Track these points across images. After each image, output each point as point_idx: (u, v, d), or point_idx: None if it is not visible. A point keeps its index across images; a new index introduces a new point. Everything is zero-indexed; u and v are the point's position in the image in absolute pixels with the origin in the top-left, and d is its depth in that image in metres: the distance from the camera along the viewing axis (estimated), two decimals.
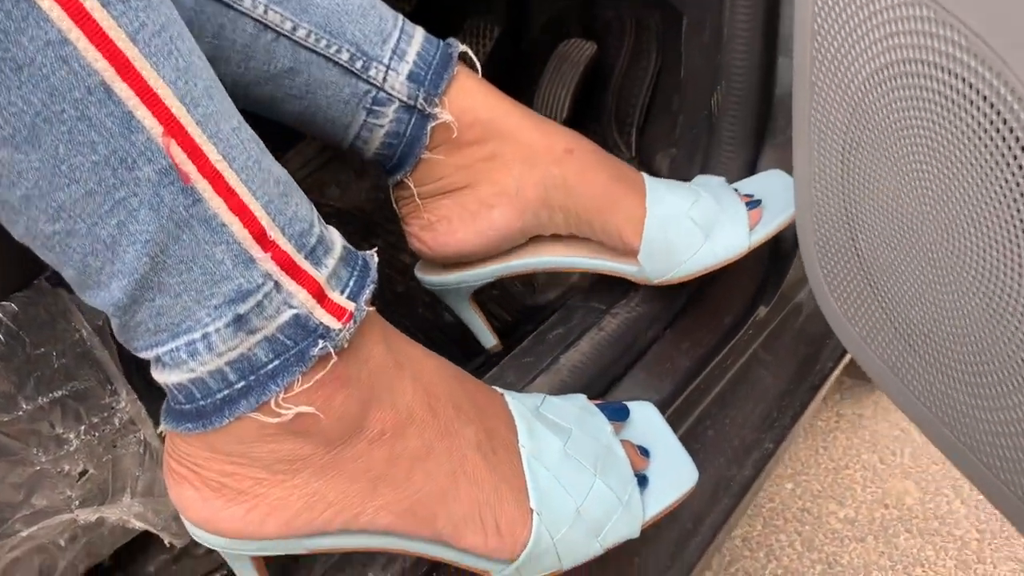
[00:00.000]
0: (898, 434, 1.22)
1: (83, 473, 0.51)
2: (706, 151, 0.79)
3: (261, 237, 0.39)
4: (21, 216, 0.36)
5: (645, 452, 0.57)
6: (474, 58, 0.65)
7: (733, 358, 0.75)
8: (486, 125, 0.63)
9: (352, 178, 1.12)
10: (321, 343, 0.41)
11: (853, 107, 0.51)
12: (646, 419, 0.60)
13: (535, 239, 0.69)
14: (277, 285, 0.40)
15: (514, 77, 1.08)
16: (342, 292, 0.43)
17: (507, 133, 0.64)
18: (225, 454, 0.43)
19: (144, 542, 0.62)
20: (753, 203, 0.70)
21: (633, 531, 0.53)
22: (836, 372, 0.79)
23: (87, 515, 0.50)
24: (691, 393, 0.71)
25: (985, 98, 0.40)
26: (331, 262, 0.42)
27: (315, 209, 0.43)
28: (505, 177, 0.64)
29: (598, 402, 0.59)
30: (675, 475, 0.56)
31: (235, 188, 0.38)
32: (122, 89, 0.35)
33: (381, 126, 0.61)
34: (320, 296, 0.41)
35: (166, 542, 0.52)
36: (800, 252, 0.71)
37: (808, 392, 0.75)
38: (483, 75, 0.65)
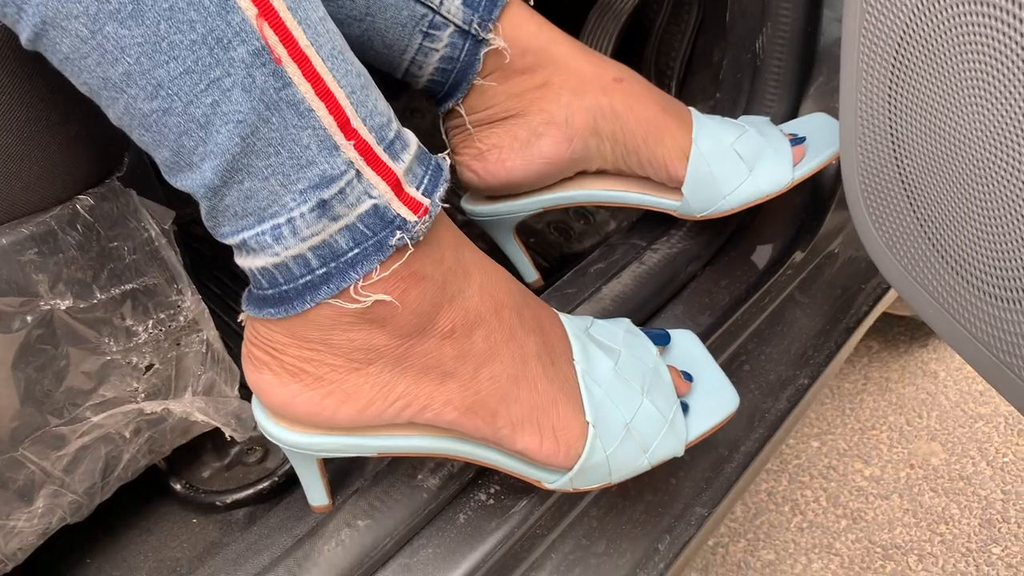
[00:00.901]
0: (925, 397, 1.23)
1: (149, 367, 0.53)
2: (749, 95, 0.80)
3: (345, 125, 0.41)
4: (122, 94, 0.38)
5: (688, 377, 0.58)
6: None
7: (770, 297, 0.76)
8: (537, 53, 0.64)
9: (407, 117, 1.14)
10: (399, 234, 0.43)
11: (903, 32, 0.52)
12: (688, 346, 0.62)
13: (581, 173, 0.70)
14: (359, 174, 0.42)
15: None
16: (417, 188, 0.44)
17: (558, 61, 0.65)
18: (305, 340, 0.45)
19: (198, 449, 0.65)
20: (797, 140, 0.71)
21: (677, 450, 0.55)
22: (871, 317, 0.80)
23: (153, 407, 0.52)
24: (728, 328, 0.72)
25: None
26: (407, 157, 0.44)
27: (391, 108, 0.45)
28: (554, 105, 0.66)
29: (642, 328, 0.61)
30: (717, 399, 0.58)
31: (322, 74, 0.40)
32: None
33: (436, 50, 0.62)
34: (398, 188, 0.43)
35: (227, 435, 0.55)
36: (841, 198, 0.72)
37: (843, 333, 0.76)
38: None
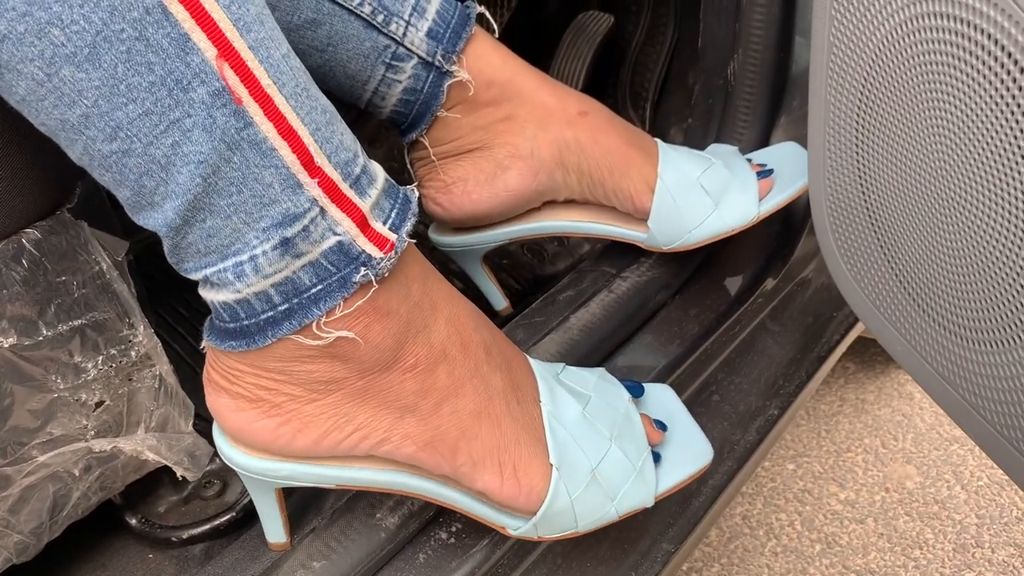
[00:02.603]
0: (900, 420, 1.22)
1: (99, 403, 0.51)
2: (721, 121, 0.80)
3: (308, 163, 0.40)
4: (80, 136, 0.37)
5: (662, 427, 0.57)
6: (491, 20, 0.66)
7: (740, 326, 0.75)
8: (502, 86, 0.64)
9: (365, 147, 1.13)
10: (363, 270, 0.42)
11: (870, 64, 0.52)
12: (663, 398, 0.61)
13: (548, 203, 0.70)
14: (323, 211, 0.41)
15: (530, 48, 1.08)
16: (384, 223, 0.44)
17: (523, 94, 0.64)
18: (264, 369, 0.45)
19: (155, 482, 0.63)
20: (765, 172, 0.71)
21: (647, 499, 0.53)
22: (843, 345, 0.79)
23: (102, 445, 0.51)
24: (698, 357, 0.71)
25: (1003, 48, 0.41)
26: (374, 192, 0.43)
27: (358, 141, 0.44)
28: (520, 138, 0.65)
29: (619, 379, 0.59)
30: (691, 451, 0.56)
31: (284, 113, 0.39)
32: (178, 11, 0.36)
33: (399, 82, 0.62)
34: (363, 224, 0.42)
35: (178, 474, 0.53)
36: (812, 223, 0.71)
37: (814, 363, 0.76)
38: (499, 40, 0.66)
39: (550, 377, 0.54)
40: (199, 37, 0.36)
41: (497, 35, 0.66)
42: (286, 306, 0.42)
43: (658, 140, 0.70)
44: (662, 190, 0.66)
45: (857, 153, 0.56)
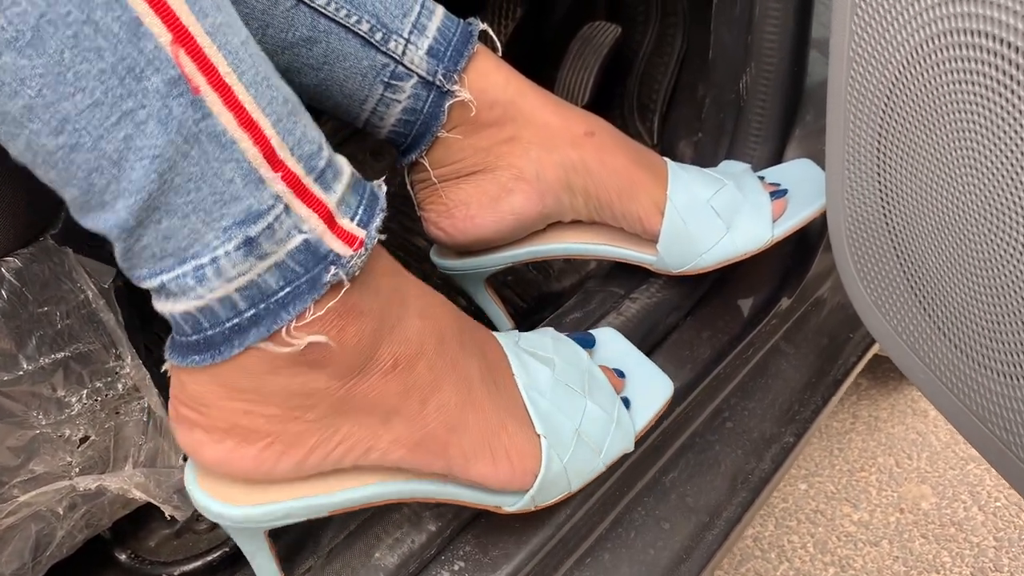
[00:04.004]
0: (915, 438, 1.19)
1: (84, 439, 0.49)
2: (732, 136, 0.77)
3: (271, 156, 0.38)
4: (23, 129, 0.34)
5: (620, 374, 0.59)
6: (495, 38, 0.64)
7: (754, 349, 0.73)
8: (505, 106, 0.61)
9: (368, 159, 1.11)
10: (333, 270, 0.40)
11: (892, 84, 0.49)
12: (613, 344, 0.62)
13: (554, 225, 0.67)
14: (287, 208, 0.39)
15: (536, 59, 1.06)
16: (352, 219, 0.41)
17: (526, 114, 0.62)
18: (236, 391, 0.42)
19: (145, 515, 0.61)
20: (778, 193, 0.68)
21: (628, 445, 0.55)
22: (859, 367, 0.77)
23: (87, 483, 0.48)
24: (711, 382, 0.69)
25: None
26: (340, 187, 0.41)
27: (323, 133, 0.42)
28: (524, 160, 0.63)
29: (565, 333, 0.60)
30: (652, 389, 0.59)
31: (244, 103, 0.37)
32: None
33: (398, 101, 0.59)
34: (330, 221, 0.40)
35: (167, 514, 0.51)
36: (829, 241, 0.69)
37: (830, 386, 0.73)
38: (504, 56, 0.63)
39: (515, 347, 0.54)
40: (152, 21, 0.34)
41: (501, 49, 0.63)
42: (252, 312, 0.40)
43: (667, 160, 0.67)
44: (672, 212, 0.63)
45: (879, 174, 0.54)
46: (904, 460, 1.17)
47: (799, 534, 1.08)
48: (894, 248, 0.55)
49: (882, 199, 0.54)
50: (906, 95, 0.49)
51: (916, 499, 1.12)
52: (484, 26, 0.61)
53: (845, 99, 0.54)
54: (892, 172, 0.52)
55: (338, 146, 1.10)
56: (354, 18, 0.57)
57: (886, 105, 0.51)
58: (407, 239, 0.97)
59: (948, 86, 0.45)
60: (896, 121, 0.50)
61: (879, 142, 0.53)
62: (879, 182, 0.54)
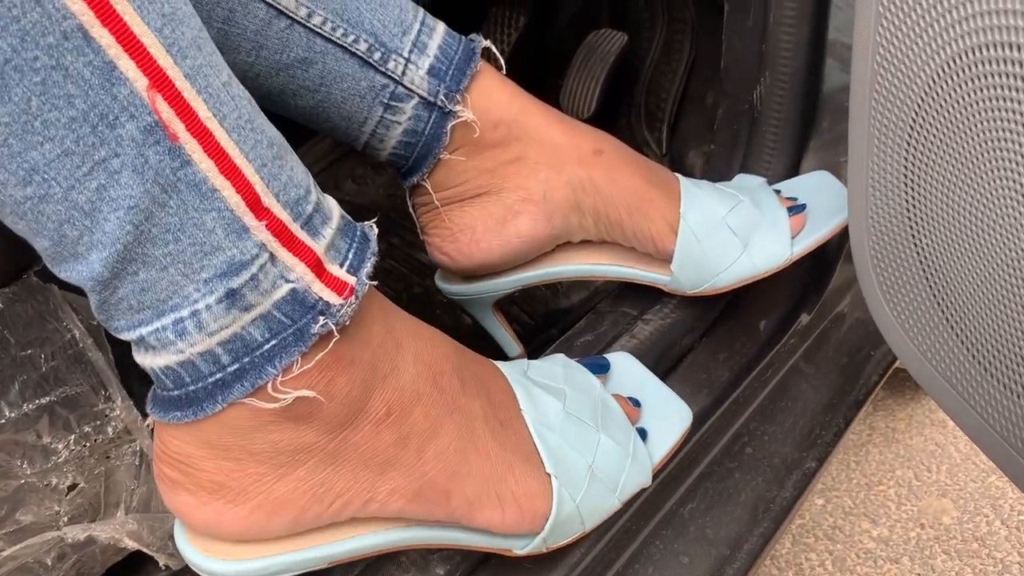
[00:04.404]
0: (934, 449, 1.16)
1: (73, 487, 0.46)
2: (747, 148, 0.74)
3: (255, 204, 0.36)
4: None
5: (636, 403, 0.56)
6: (499, 55, 0.61)
7: (773, 370, 0.70)
8: (510, 125, 0.59)
9: (369, 173, 1.08)
10: (322, 320, 0.38)
11: (922, 98, 0.47)
12: (627, 368, 0.60)
13: (563, 245, 0.65)
14: (272, 257, 0.37)
15: (540, 69, 1.04)
16: (341, 265, 0.39)
17: (532, 134, 0.60)
18: (221, 449, 0.39)
19: (140, 560, 0.58)
20: (797, 208, 0.66)
21: (645, 480, 0.53)
22: (880, 386, 0.74)
23: (76, 533, 0.46)
24: (729, 407, 0.66)
25: None
26: (329, 232, 0.39)
27: (310, 175, 0.39)
28: (531, 181, 0.60)
29: (577, 359, 0.58)
30: (670, 418, 0.56)
31: (227, 149, 0.35)
32: (102, 35, 0.31)
33: (399, 123, 0.57)
34: (318, 269, 0.38)
35: (161, 564, 0.48)
36: (848, 254, 0.66)
37: (852, 408, 0.71)
38: (507, 67, 0.61)
39: (523, 379, 0.51)
40: (127, 65, 0.32)
41: (504, 62, 0.61)
42: (236, 366, 0.37)
43: (680, 176, 0.64)
44: (685, 231, 0.61)
45: (906, 191, 0.51)
46: (923, 473, 1.14)
47: (817, 551, 1.05)
48: (921, 266, 0.52)
49: (909, 216, 0.52)
50: (937, 109, 0.46)
51: (937, 513, 1.09)
52: (487, 43, 0.59)
53: (869, 113, 0.51)
54: (921, 188, 0.50)
55: (336, 162, 1.08)
56: (351, 37, 0.54)
57: (915, 119, 0.48)
58: (409, 254, 0.94)
59: (982, 100, 0.42)
60: (926, 135, 0.47)
61: (906, 157, 0.50)
62: (906, 199, 0.51)
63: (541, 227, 0.61)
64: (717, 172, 0.78)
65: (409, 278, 0.92)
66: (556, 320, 0.87)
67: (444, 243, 0.62)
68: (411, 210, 0.63)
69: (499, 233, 0.61)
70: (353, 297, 0.39)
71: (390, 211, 1.01)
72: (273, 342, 0.37)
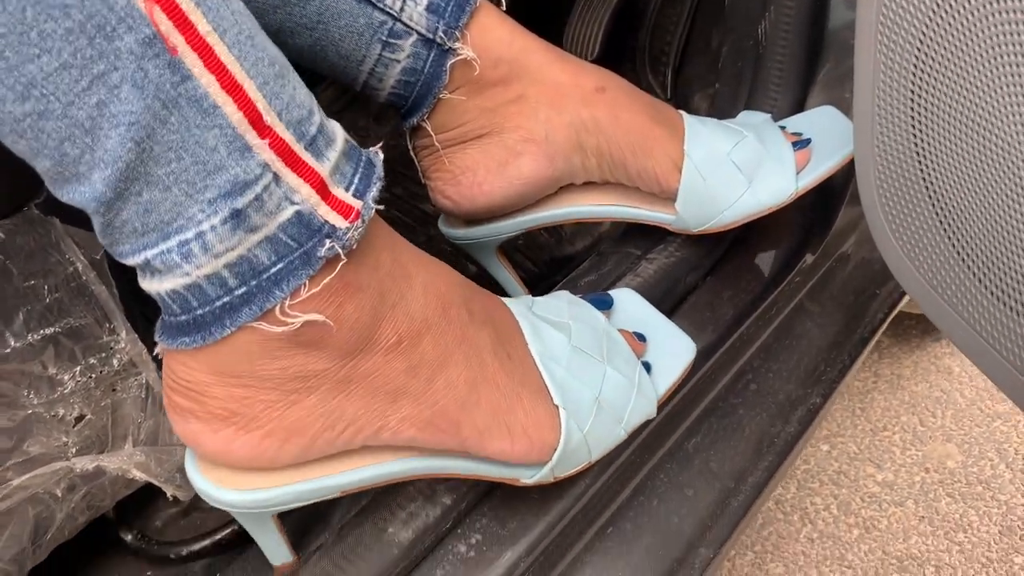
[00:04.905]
0: (939, 395, 1.17)
1: (80, 418, 0.47)
2: (751, 86, 0.74)
3: (257, 121, 0.35)
4: None
5: (641, 338, 0.56)
6: None
7: (777, 308, 0.70)
8: (511, 63, 0.58)
9: (371, 124, 1.07)
10: (328, 243, 0.37)
11: (929, 19, 0.46)
12: (631, 305, 0.60)
13: (566, 187, 0.64)
14: (276, 177, 0.36)
15: (541, 13, 1.02)
16: (347, 189, 0.39)
17: (533, 72, 0.59)
18: (230, 376, 0.40)
19: (150, 494, 0.59)
20: (801, 143, 0.65)
21: (650, 411, 0.53)
22: (886, 324, 0.74)
23: (84, 464, 0.46)
24: (733, 344, 0.66)
25: None
26: (333, 155, 0.38)
27: (314, 97, 0.39)
28: (532, 121, 0.59)
29: (581, 295, 0.58)
30: (674, 351, 0.56)
31: (227, 64, 0.34)
32: None
33: (397, 61, 0.56)
34: (324, 191, 0.38)
35: (169, 495, 0.49)
36: (854, 194, 0.66)
37: (857, 345, 0.70)
38: (507, 11, 0.60)
39: (528, 314, 0.52)
40: None
41: (504, 4, 0.60)
42: (243, 289, 0.37)
43: (683, 113, 0.64)
44: (690, 169, 0.60)
45: (913, 118, 0.50)
46: (928, 419, 1.14)
47: (822, 496, 1.06)
48: (929, 195, 0.52)
49: (916, 145, 0.51)
50: (945, 28, 0.45)
51: (941, 458, 1.09)
52: None
53: (876, 38, 0.50)
54: (929, 115, 0.49)
55: (338, 113, 1.07)
56: None
57: (922, 42, 0.47)
58: (413, 204, 0.94)
59: (990, 15, 0.42)
60: (934, 59, 0.47)
61: (914, 83, 0.49)
62: (913, 127, 0.51)
63: (543, 168, 0.60)
64: (722, 112, 0.77)
65: (413, 228, 0.91)
66: (560, 267, 0.87)
67: (446, 186, 0.61)
68: (412, 154, 0.62)
69: (501, 175, 0.60)
70: (359, 221, 0.39)
71: (393, 162, 1.00)
72: (280, 265, 0.37)
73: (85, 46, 0.31)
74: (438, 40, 0.55)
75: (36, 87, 0.31)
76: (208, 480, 0.43)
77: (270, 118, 0.36)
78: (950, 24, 0.44)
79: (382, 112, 1.06)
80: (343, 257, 0.38)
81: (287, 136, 0.37)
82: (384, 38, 0.55)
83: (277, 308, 0.38)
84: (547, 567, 0.54)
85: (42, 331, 0.44)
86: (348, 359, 0.41)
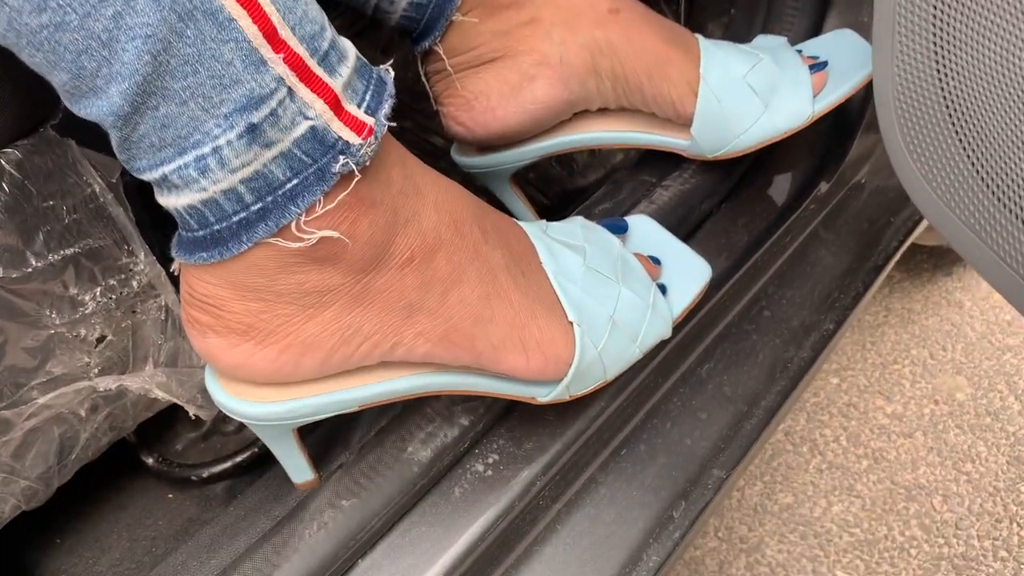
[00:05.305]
0: (949, 329, 1.17)
1: (101, 339, 0.47)
2: (767, 11, 0.72)
3: (271, 35, 0.35)
4: (3, 6, 0.32)
5: (656, 261, 0.56)
6: None
7: (792, 235, 0.70)
8: None
9: (378, 56, 1.06)
10: (342, 159, 0.37)
11: None
12: (646, 230, 0.60)
13: (580, 114, 0.64)
14: (291, 92, 0.36)
15: None
16: (359, 105, 0.38)
17: None
18: (249, 290, 0.40)
19: (171, 419, 0.60)
20: (818, 66, 0.64)
21: (665, 331, 0.53)
22: (900, 252, 0.74)
23: (107, 383, 0.47)
24: (748, 270, 0.66)
25: None
26: (345, 71, 0.38)
27: (324, 13, 0.39)
28: (546, 44, 0.58)
29: (596, 221, 0.58)
30: (689, 273, 0.56)
31: None
32: None
33: None
34: (337, 107, 0.37)
35: (191, 414, 0.49)
36: (868, 123, 0.65)
37: (871, 273, 0.70)
38: None
39: (543, 235, 0.52)
40: None
41: None
42: (259, 205, 0.37)
43: (699, 36, 0.63)
44: (706, 92, 0.59)
45: (934, 37, 0.49)
46: (938, 352, 1.14)
47: (831, 427, 1.07)
48: (950, 116, 0.51)
49: (937, 63, 0.50)
50: None
51: (951, 390, 1.10)
52: None
53: None
54: (950, 31, 0.48)
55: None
56: None
57: None
58: (423, 137, 0.93)
59: None
60: None
61: (936, 1, 0.48)
62: (934, 44, 0.50)
63: (558, 92, 0.60)
64: (737, 38, 0.76)
65: (423, 161, 0.91)
66: (572, 199, 0.86)
67: (459, 112, 0.61)
68: (424, 80, 0.62)
69: (515, 99, 0.60)
70: (372, 137, 0.38)
71: (400, 94, 1.00)
72: (295, 181, 0.37)
73: None
74: None
75: None
76: (229, 394, 0.44)
77: (284, 32, 0.35)
78: None
79: (390, 44, 1.04)
80: (357, 173, 0.38)
81: (301, 51, 0.36)
82: None
83: (293, 224, 0.38)
84: (563, 486, 0.55)
85: (62, 251, 0.44)
86: (362, 275, 0.42)
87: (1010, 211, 0.49)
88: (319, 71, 0.37)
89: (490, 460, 0.53)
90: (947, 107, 0.51)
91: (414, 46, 0.60)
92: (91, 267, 0.46)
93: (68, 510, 0.57)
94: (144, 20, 0.32)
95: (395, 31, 0.91)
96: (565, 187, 0.88)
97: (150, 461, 0.57)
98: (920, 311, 1.20)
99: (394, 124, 0.41)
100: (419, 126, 0.94)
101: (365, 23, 0.94)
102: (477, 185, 0.77)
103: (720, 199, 0.69)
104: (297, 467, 0.49)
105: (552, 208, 0.86)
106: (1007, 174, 0.48)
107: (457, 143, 0.67)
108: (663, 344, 0.54)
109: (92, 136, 0.49)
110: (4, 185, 0.42)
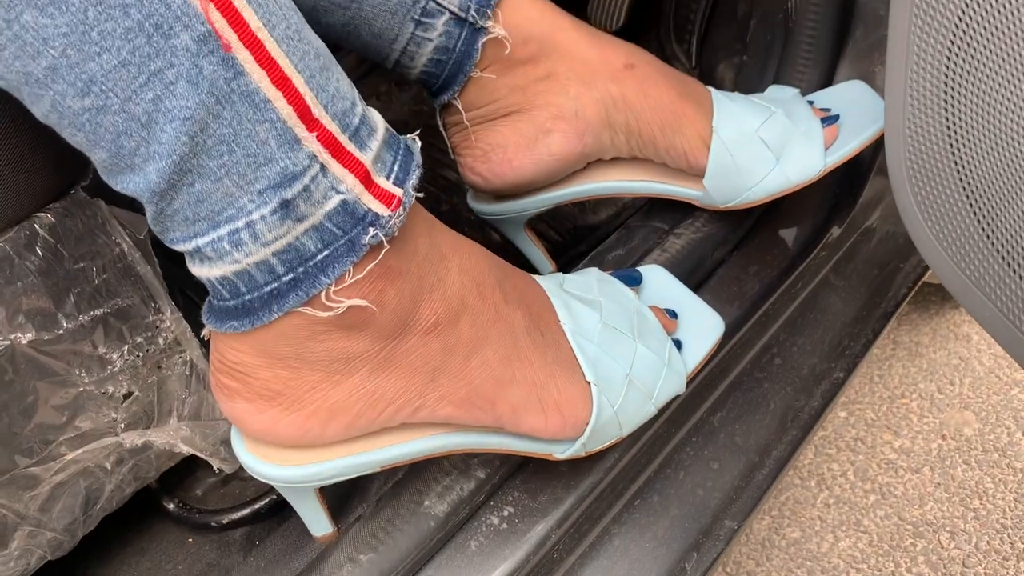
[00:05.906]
0: (957, 363, 1.17)
1: (128, 395, 0.48)
2: (780, 59, 0.73)
3: (305, 114, 0.36)
4: (47, 90, 0.33)
5: (672, 314, 0.57)
6: None
7: (803, 282, 0.70)
8: (540, 41, 0.58)
9: (394, 89, 1.08)
10: (372, 231, 0.39)
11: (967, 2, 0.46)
12: (660, 281, 0.61)
13: (595, 163, 0.65)
14: (323, 168, 0.37)
15: None
16: (388, 177, 0.40)
17: (562, 49, 0.59)
18: (277, 358, 0.41)
19: (192, 465, 0.60)
20: (830, 119, 0.65)
21: (679, 387, 0.54)
22: (909, 298, 0.74)
23: (133, 439, 0.48)
24: (759, 318, 0.67)
25: None
26: (375, 144, 0.39)
27: (355, 87, 0.40)
28: (562, 98, 0.60)
29: (610, 272, 0.59)
30: (703, 328, 0.57)
31: (277, 59, 0.35)
32: None
33: (430, 40, 0.56)
34: (367, 181, 0.39)
35: (215, 467, 0.50)
36: (880, 167, 0.66)
37: (880, 319, 0.71)
38: None
39: (560, 291, 0.53)
40: None
41: None
42: (291, 276, 0.38)
43: (712, 89, 0.64)
44: (718, 146, 0.60)
45: (946, 97, 0.50)
46: (946, 386, 1.15)
47: (839, 462, 1.07)
48: (958, 175, 0.52)
49: (948, 126, 0.51)
50: (985, 10, 0.45)
51: (959, 425, 1.10)
52: None
53: (911, 12, 0.50)
54: (961, 93, 0.49)
55: (360, 78, 1.07)
56: None
57: (959, 21, 0.47)
58: (437, 172, 0.94)
59: None
60: (970, 39, 0.47)
61: (948, 63, 0.49)
62: (945, 105, 0.51)
63: (573, 145, 0.61)
64: (748, 84, 0.77)
65: (437, 196, 0.92)
66: (584, 236, 0.87)
67: (476, 163, 0.62)
68: (442, 130, 0.63)
69: (531, 151, 0.61)
70: (401, 208, 0.39)
71: (415, 128, 1.01)
72: (326, 252, 0.38)
73: (143, 44, 0.32)
74: (470, 19, 0.56)
75: (96, 83, 0.32)
76: (254, 456, 0.45)
77: (317, 111, 0.37)
78: (990, 4, 0.44)
79: (403, 78, 1.06)
80: (385, 244, 0.39)
81: (333, 128, 0.37)
82: (417, 17, 0.55)
83: (323, 294, 0.39)
84: (577, 538, 0.55)
85: (92, 312, 0.45)
86: (388, 341, 0.43)
87: (1017, 273, 0.50)
88: (350, 147, 0.38)
89: (505, 513, 0.54)
90: (957, 168, 0.52)
91: (433, 99, 0.61)
92: (119, 326, 0.47)
93: (88, 553, 0.58)
94: (183, 103, 0.34)
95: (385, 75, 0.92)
96: (577, 223, 0.89)
97: (171, 506, 0.58)
98: (928, 344, 1.20)
99: (421, 194, 0.42)
100: (433, 160, 0.95)
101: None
102: (490, 224, 0.78)
103: (732, 247, 0.70)
104: (317, 522, 0.50)
105: (563, 244, 0.87)
106: (1014, 237, 0.49)
107: (473, 191, 0.68)
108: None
109: (121, 194, 0.51)
110: (38, 249, 0.43)
